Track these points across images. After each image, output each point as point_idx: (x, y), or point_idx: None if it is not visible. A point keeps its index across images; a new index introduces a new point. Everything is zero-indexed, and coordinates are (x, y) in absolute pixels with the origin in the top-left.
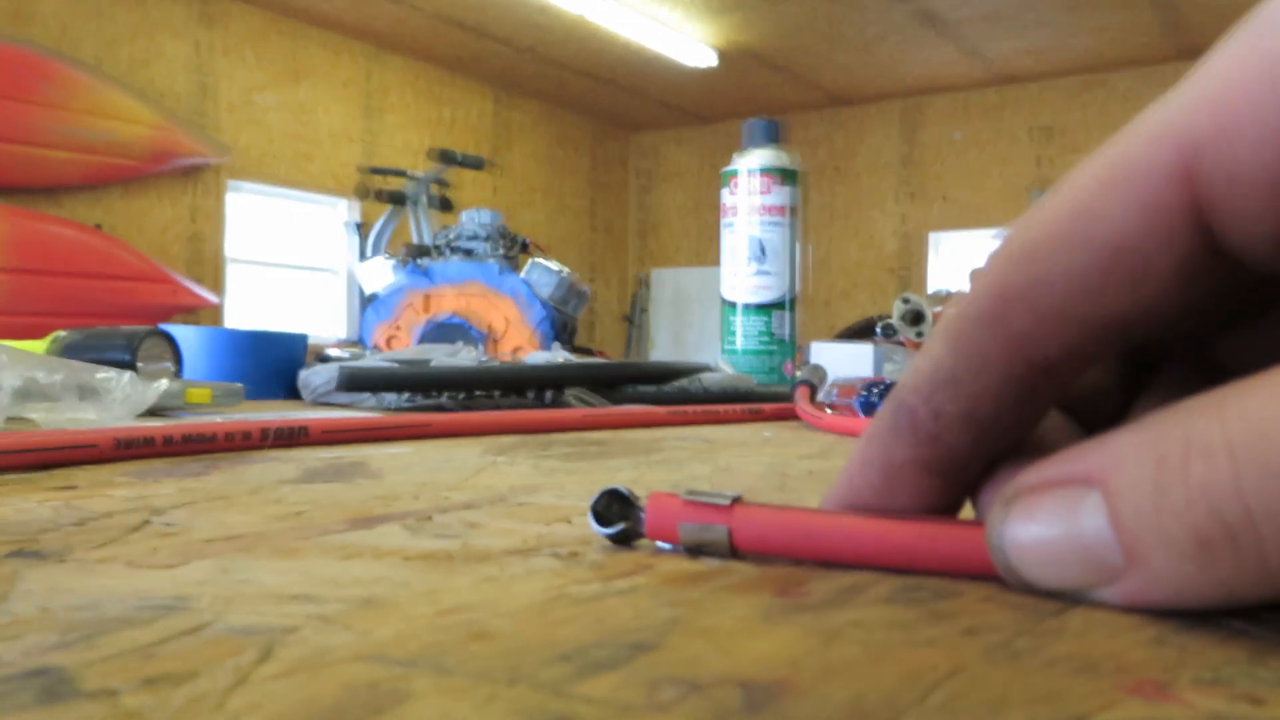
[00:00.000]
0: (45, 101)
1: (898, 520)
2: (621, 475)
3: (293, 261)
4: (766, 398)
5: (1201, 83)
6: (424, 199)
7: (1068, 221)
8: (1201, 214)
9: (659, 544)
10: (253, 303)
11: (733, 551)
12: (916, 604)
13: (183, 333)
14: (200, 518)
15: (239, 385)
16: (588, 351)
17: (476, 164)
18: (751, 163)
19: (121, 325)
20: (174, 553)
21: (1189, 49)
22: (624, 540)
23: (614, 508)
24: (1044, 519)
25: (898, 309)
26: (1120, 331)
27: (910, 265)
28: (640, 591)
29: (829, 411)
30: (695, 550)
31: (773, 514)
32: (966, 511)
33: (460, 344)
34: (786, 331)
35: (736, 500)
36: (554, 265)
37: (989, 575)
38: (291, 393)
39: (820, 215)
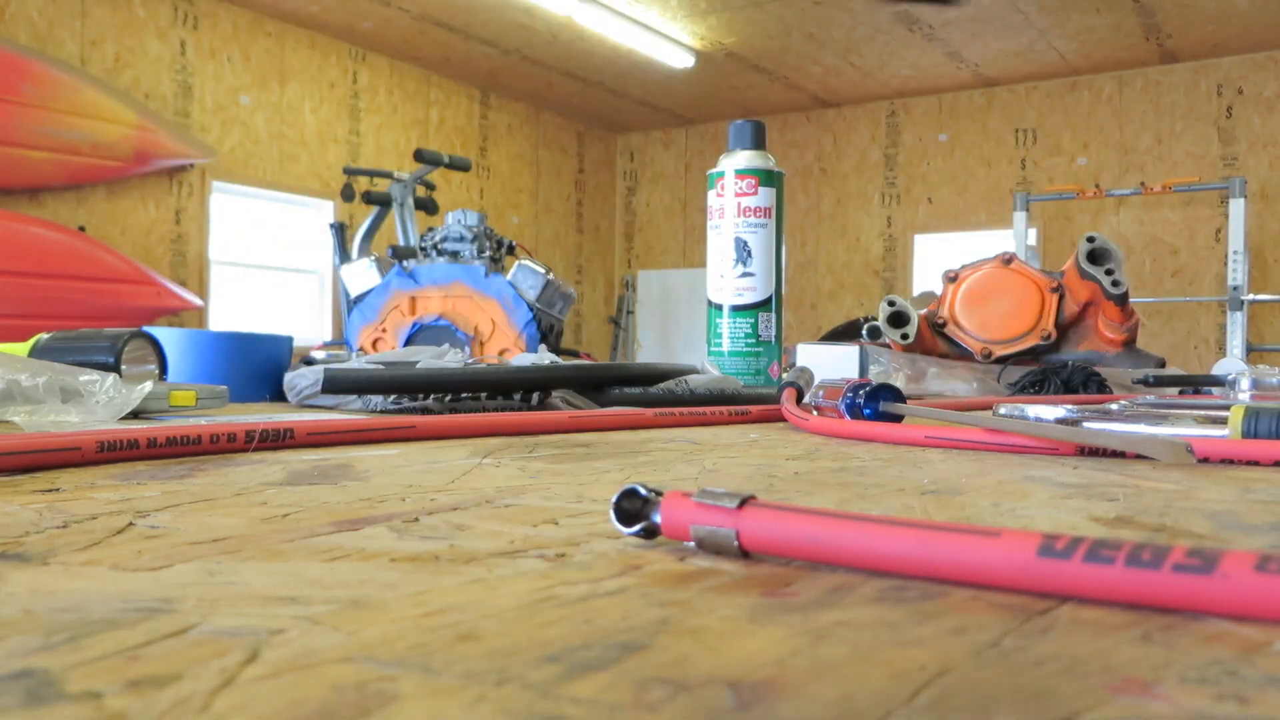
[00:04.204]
0: (25, 101)
1: (902, 523)
2: (608, 477)
3: (277, 263)
4: (753, 400)
5: None
6: (409, 200)
7: None
8: None
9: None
10: (237, 305)
11: (742, 552)
12: (904, 604)
13: (167, 335)
14: (185, 520)
15: (224, 388)
16: (573, 354)
17: (463, 165)
18: (737, 164)
19: (105, 328)
20: (158, 555)
21: (1170, 52)
22: (647, 537)
23: (634, 505)
24: None
25: (883, 311)
26: None
27: (895, 267)
28: (628, 592)
29: (815, 414)
30: (707, 549)
31: (780, 516)
32: (970, 517)
33: (447, 346)
34: (772, 333)
35: (746, 501)
36: (539, 267)
37: (993, 579)
38: (277, 395)
39: (807, 217)
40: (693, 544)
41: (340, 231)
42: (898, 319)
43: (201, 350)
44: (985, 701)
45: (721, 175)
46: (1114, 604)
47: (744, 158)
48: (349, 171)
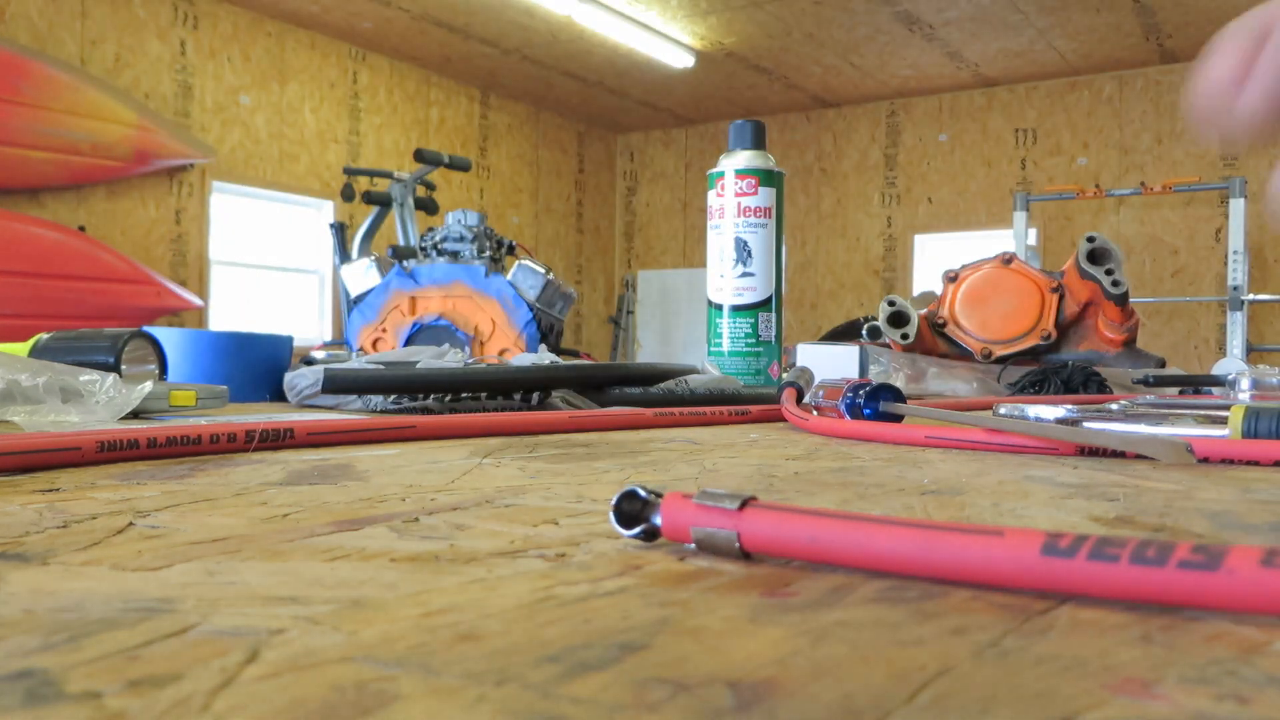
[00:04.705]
0: (25, 101)
1: (903, 523)
2: (609, 477)
3: (277, 263)
4: (753, 400)
5: None
6: (409, 200)
7: None
8: None
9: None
10: (237, 305)
11: (743, 554)
12: (904, 603)
13: (167, 335)
14: (185, 520)
15: (224, 388)
16: (574, 354)
17: (463, 165)
18: (737, 164)
19: (105, 328)
20: (158, 555)
21: (1170, 52)
22: (647, 539)
23: (634, 507)
24: None
25: (883, 311)
26: None
27: (895, 267)
28: (628, 592)
29: (815, 414)
30: (708, 550)
31: (782, 517)
32: (970, 517)
33: (447, 346)
34: (772, 333)
35: (747, 503)
36: (539, 267)
37: (996, 578)
38: (277, 395)
39: (807, 217)
40: (693, 545)
41: (340, 231)
42: (898, 319)
43: (201, 350)
44: (985, 701)
45: (721, 175)
46: (1114, 604)
47: (744, 158)
48: (349, 171)
